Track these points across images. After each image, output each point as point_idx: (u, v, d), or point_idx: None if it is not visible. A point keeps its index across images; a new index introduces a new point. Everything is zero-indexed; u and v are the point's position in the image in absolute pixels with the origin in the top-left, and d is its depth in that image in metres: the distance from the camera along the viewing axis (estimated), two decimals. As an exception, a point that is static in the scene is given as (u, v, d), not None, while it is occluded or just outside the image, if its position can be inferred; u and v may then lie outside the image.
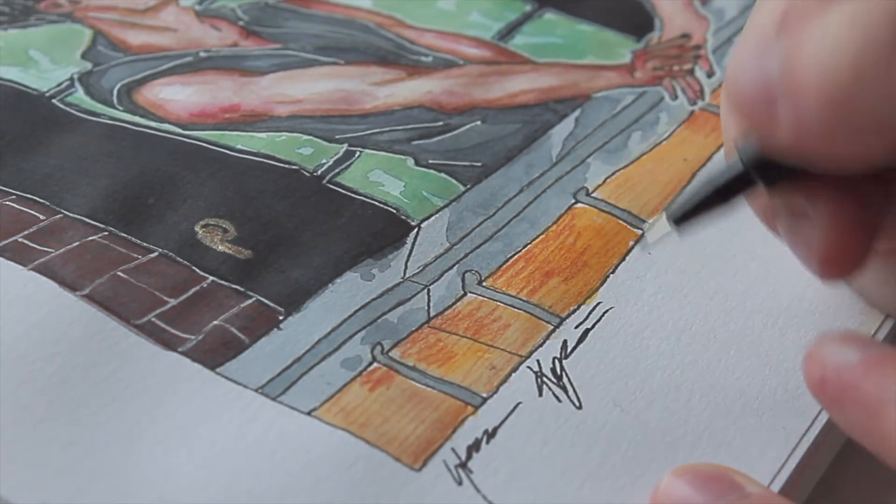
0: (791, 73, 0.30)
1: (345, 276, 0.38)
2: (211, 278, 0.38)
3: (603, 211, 0.42)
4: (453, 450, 0.33)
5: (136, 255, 0.38)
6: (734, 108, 0.33)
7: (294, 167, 0.42)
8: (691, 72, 0.49)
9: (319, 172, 0.42)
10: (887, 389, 0.31)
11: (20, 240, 0.38)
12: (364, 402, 0.34)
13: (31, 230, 0.38)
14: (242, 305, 0.37)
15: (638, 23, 0.52)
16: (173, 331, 0.36)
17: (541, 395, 0.35)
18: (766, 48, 0.31)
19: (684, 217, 0.34)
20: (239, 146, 0.43)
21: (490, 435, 0.34)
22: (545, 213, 0.41)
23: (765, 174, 0.33)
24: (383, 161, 0.43)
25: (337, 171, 0.42)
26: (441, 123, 0.45)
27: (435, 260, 0.39)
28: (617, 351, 0.37)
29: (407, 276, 0.39)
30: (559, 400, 0.35)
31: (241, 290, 0.37)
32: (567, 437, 0.34)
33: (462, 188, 0.42)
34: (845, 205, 0.33)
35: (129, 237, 0.39)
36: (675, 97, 0.47)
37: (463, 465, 0.33)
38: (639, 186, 0.43)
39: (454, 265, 0.39)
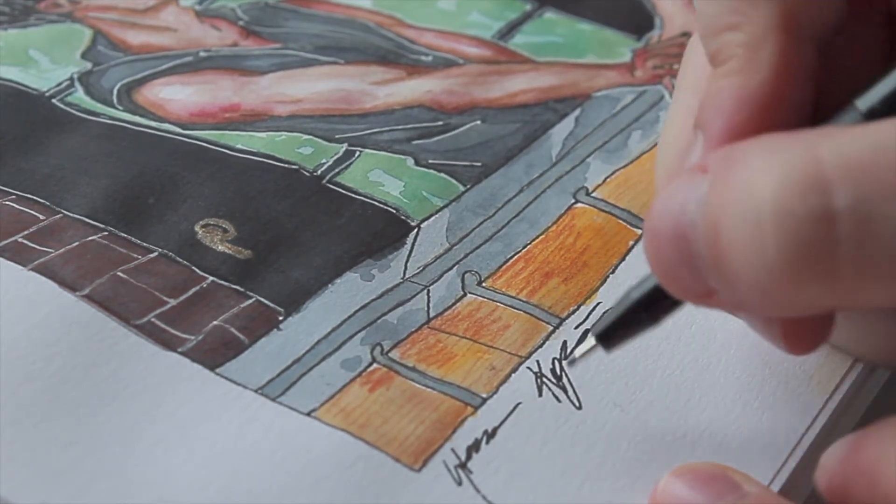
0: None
1: (345, 277, 0.38)
2: (211, 278, 0.38)
3: (603, 211, 0.42)
4: (453, 450, 0.33)
5: (135, 256, 0.38)
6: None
7: (294, 167, 0.42)
8: (691, 71, 0.49)
9: (319, 172, 0.42)
10: (877, 454, 0.31)
11: (20, 240, 0.38)
12: (364, 402, 0.34)
13: (30, 230, 0.38)
14: (242, 306, 0.37)
15: (638, 22, 0.52)
16: (173, 331, 0.36)
17: (540, 395, 0.35)
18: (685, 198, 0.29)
19: (609, 333, 0.33)
20: (239, 146, 0.43)
21: (490, 435, 0.34)
22: (545, 213, 0.41)
23: None
24: (383, 161, 0.43)
25: (337, 170, 0.42)
26: (441, 123, 0.45)
27: (435, 260, 0.39)
28: (617, 351, 0.36)
29: (407, 276, 0.39)
30: (559, 400, 0.35)
31: (241, 290, 0.37)
32: (567, 438, 0.34)
33: (462, 188, 0.42)
34: None
35: (129, 237, 0.39)
36: (675, 96, 0.47)
37: (463, 466, 0.33)
38: (639, 186, 0.43)
39: (454, 266, 0.39)
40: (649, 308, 0.32)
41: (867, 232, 0.27)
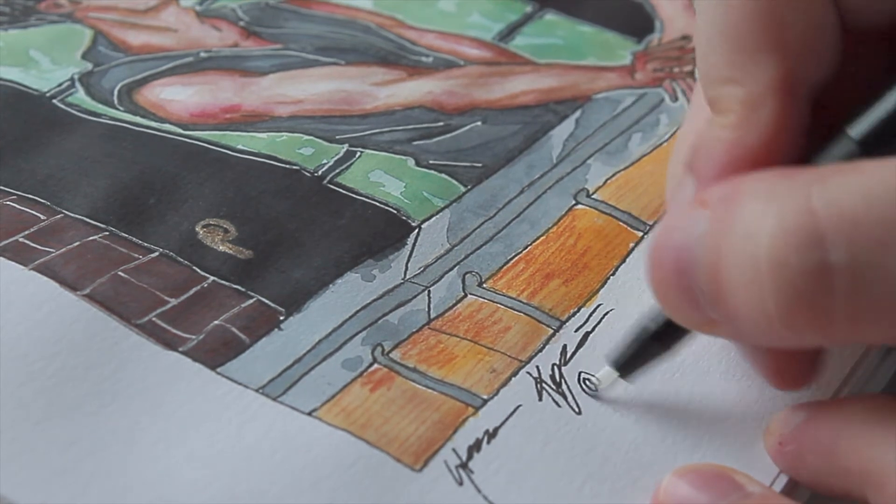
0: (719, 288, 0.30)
1: (345, 277, 0.38)
2: (212, 278, 0.38)
3: (603, 212, 0.42)
4: (454, 450, 0.33)
5: (136, 255, 0.38)
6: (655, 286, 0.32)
7: (295, 167, 0.42)
8: (692, 73, 0.49)
9: (320, 173, 0.42)
10: (838, 428, 0.32)
11: (21, 240, 0.38)
12: (365, 402, 0.34)
13: (31, 230, 0.38)
14: (243, 305, 0.37)
15: (638, 24, 0.52)
16: (174, 330, 0.36)
17: (541, 399, 0.35)
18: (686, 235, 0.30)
19: (627, 363, 0.35)
20: (240, 146, 0.43)
21: (491, 435, 0.34)
22: (546, 215, 0.41)
23: None
24: (384, 161, 0.43)
25: (337, 171, 0.42)
26: (442, 124, 0.45)
27: (435, 261, 0.39)
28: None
29: (407, 277, 0.39)
30: (559, 405, 0.35)
31: (242, 290, 0.37)
32: (568, 438, 0.34)
33: (462, 189, 0.42)
34: None
35: (130, 237, 0.39)
36: (675, 99, 0.48)
37: (464, 466, 0.33)
38: (639, 188, 0.43)
39: (455, 266, 0.39)
40: (663, 338, 0.34)
41: (861, 283, 0.28)
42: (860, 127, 0.30)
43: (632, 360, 0.35)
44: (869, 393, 0.37)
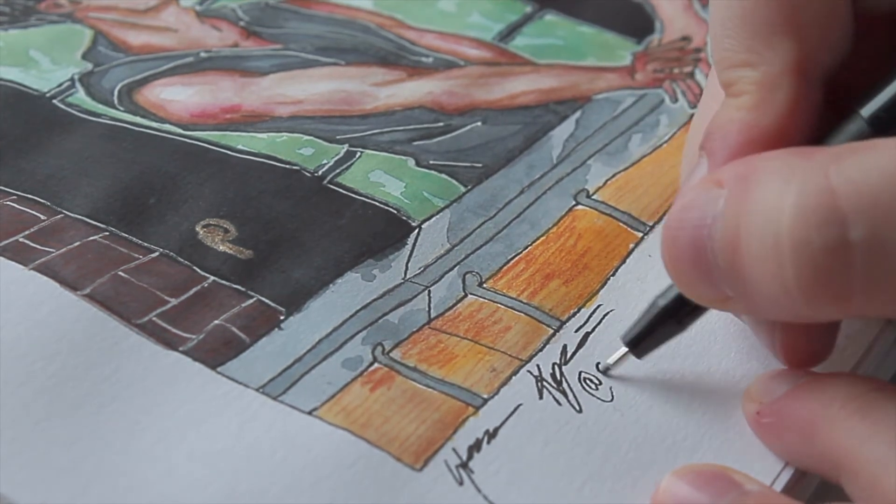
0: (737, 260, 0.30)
1: (346, 277, 0.38)
2: (212, 278, 0.38)
3: (603, 213, 0.42)
4: (454, 450, 0.33)
5: (137, 255, 0.38)
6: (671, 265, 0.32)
7: (295, 167, 0.42)
8: (692, 74, 0.49)
9: (320, 173, 0.42)
10: (817, 410, 0.32)
11: (21, 240, 0.38)
12: (365, 402, 0.34)
13: (31, 230, 0.38)
14: (243, 305, 0.37)
15: (638, 25, 0.52)
16: (174, 330, 0.36)
17: (541, 398, 0.35)
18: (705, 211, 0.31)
19: (638, 339, 0.35)
20: (240, 146, 0.43)
21: (491, 435, 0.34)
22: (546, 215, 0.41)
23: None
24: (384, 162, 0.43)
25: (338, 171, 0.42)
26: (442, 124, 0.45)
27: (436, 261, 0.39)
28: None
29: (408, 276, 0.39)
30: (559, 404, 0.35)
31: (242, 289, 0.37)
32: (568, 438, 0.34)
33: (463, 189, 0.42)
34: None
35: (130, 237, 0.39)
36: (675, 100, 0.48)
37: (464, 466, 0.33)
38: (639, 189, 0.43)
39: (455, 266, 0.39)
40: (675, 314, 0.34)
41: (880, 258, 0.28)
42: (871, 107, 0.31)
43: (642, 336, 0.35)
44: (852, 374, 0.37)
